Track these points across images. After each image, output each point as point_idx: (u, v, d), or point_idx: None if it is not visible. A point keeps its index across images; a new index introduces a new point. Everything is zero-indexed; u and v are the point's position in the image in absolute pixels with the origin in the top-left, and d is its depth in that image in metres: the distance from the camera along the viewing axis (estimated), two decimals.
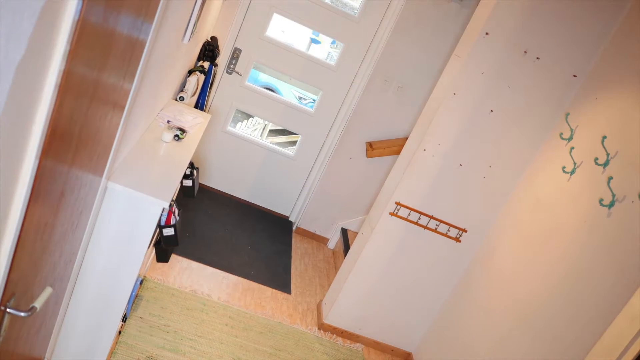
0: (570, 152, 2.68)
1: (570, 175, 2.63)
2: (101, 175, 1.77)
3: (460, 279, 3.24)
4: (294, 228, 4.46)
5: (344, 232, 4.36)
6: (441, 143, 2.97)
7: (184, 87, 3.22)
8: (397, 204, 3.06)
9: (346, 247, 4.11)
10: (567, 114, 2.82)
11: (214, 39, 3.61)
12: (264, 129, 6.05)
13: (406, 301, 3.34)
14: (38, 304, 1.19)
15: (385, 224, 3.12)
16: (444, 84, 2.96)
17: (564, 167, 2.69)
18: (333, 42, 6.51)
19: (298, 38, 6.55)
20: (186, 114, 2.83)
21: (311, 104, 5.99)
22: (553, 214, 2.66)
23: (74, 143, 1.25)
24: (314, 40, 6.83)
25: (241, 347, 2.91)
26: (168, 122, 2.66)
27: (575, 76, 2.84)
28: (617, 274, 2.13)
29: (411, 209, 3.08)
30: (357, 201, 4.37)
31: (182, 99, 3.13)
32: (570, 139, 2.74)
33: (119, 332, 2.60)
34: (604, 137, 2.47)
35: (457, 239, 3.15)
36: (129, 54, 1.48)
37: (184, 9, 2.27)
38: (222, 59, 4.04)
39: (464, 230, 3.14)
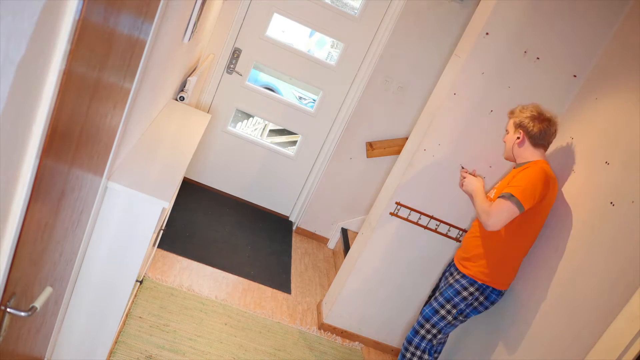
0: (570, 152, 2.68)
1: (571, 175, 2.63)
2: (101, 175, 1.77)
3: None
4: (294, 228, 4.46)
5: (344, 232, 4.36)
6: (441, 143, 2.97)
7: (184, 87, 3.22)
8: (397, 204, 3.06)
9: (346, 247, 4.11)
10: (567, 114, 2.82)
11: None
12: (264, 129, 6.06)
13: (406, 301, 3.33)
14: (38, 303, 1.19)
15: (386, 224, 3.12)
16: (444, 84, 2.96)
17: (564, 167, 2.68)
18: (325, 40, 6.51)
19: (298, 38, 6.55)
20: None
21: (311, 104, 6.00)
22: (553, 214, 2.66)
23: (74, 143, 1.25)
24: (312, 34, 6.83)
25: (241, 347, 2.91)
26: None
27: (575, 76, 2.84)
28: (617, 273, 2.13)
29: (411, 209, 3.08)
30: (357, 201, 4.37)
31: (182, 98, 3.14)
32: (570, 139, 2.73)
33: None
34: (604, 137, 2.47)
35: (458, 239, 3.15)
36: (129, 53, 1.48)
37: (184, 8, 2.27)
38: (222, 59, 4.04)
39: (465, 230, 3.13)
